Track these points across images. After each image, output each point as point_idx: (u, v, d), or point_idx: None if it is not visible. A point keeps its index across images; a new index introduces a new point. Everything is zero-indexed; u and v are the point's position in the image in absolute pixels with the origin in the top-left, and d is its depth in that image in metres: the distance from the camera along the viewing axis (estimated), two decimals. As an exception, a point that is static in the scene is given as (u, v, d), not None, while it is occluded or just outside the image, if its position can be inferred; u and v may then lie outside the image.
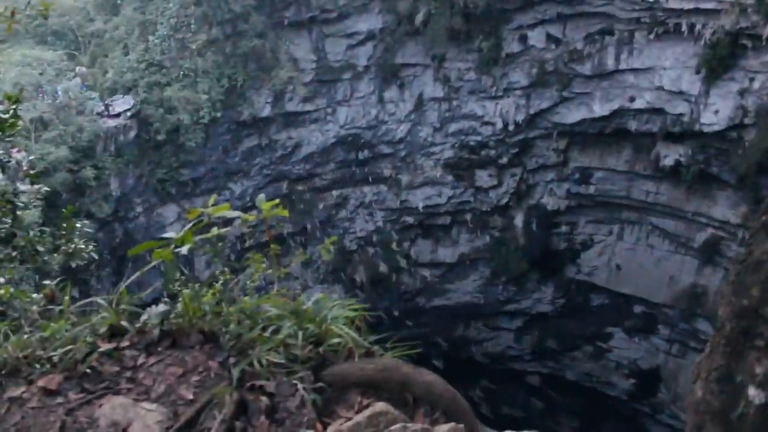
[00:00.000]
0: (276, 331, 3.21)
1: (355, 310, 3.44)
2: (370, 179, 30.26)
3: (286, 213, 3.96)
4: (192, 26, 24.76)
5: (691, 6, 23.54)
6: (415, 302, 32.53)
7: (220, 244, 3.49)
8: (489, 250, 31.36)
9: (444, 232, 31.70)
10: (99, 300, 3.49)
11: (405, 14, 26.95)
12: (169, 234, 3.36)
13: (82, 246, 7.59)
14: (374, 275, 31.16)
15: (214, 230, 3.34)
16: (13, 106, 6.82)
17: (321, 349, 3.19)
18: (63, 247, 7.37)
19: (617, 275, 30.90)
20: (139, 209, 24.89)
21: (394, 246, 31.18)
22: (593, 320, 32.39)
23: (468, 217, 31.12)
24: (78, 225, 7.78)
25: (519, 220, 30.81)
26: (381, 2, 27.06)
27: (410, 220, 30.95)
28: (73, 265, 7.43)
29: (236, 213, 3.68)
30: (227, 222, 3.80)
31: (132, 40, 24.88)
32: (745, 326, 2.20)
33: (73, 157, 21.21)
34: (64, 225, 7.68)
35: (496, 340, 34.37)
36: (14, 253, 6.73)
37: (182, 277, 3.88)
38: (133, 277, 3.65)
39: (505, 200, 30.31)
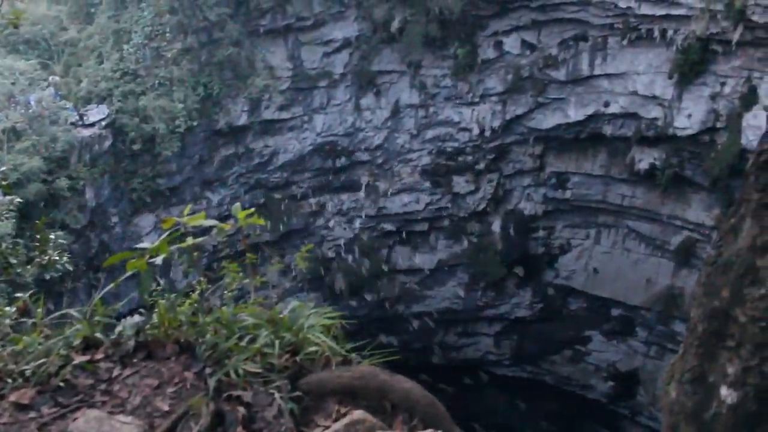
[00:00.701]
0: (252, 341, 3.19)
1: (332, 318, 3.43)
2: (348, 186, 30.25)
3: (261, 222, 3.95)
4: (167, 35, 24.61)
5: (662, 12, 23.89)
6: (394, 309, 32.51)
7: (196, 253, 3.47)
8: (467, 255, 31.45)
9: (422, 239, 31.76)
10: (73, 312, 3.45)
11: (380, 21, 27.02)
12: (144, 244, 3.34)
13: (57, 257, 7.51)
14: (353, 282, 31.12)
15: (190, 240, 3.32)
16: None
17: (298, 358, 3.18)
18: (37, 259, 7.28)
19: (594, 279, 31.14)
20: (114, 219, 24.64)
21: (372, 253, 31.16)
22: (571, 324, 32.59)
23: (446, 223, 31.22)
24: (52, 236, 7.70)
25: (497, 226, 30.97)
26: (356, 10, 27.11)
27: (388, 226, 30.97)
28: (48, 276, 7.34)
29: (212, 222, 3.67)
30: (204, 231, 3.78)
31: (106, 49, 24.66)
32: (717, 327, 2.23)
33: (47, 167, 20.94)
34: (38, 236, 7.60)
35: (475, 345, 34.44)
36: (-14, 266, 6.64)
37: (158, 288, 3.85)
38: (107, 289, 3.61)
39: (482, 206, 30.43)
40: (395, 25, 26.79)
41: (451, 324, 33.62)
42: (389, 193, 30.14)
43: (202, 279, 5.83)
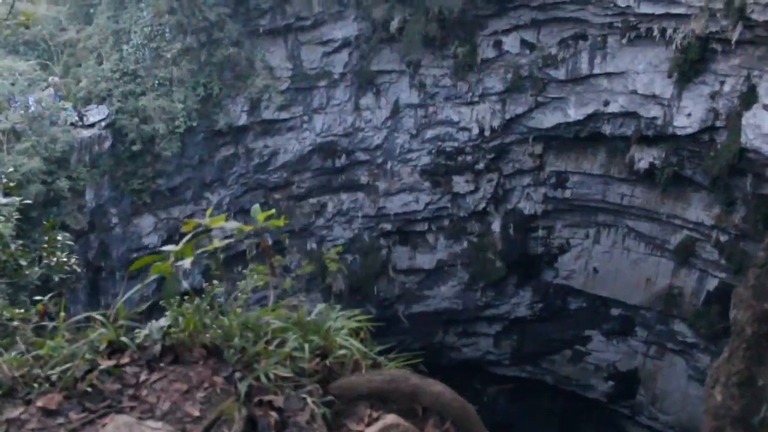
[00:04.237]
0: (281, 344, 3.15)
1: (359, 320, 3.39)
2: (347, 186, 30.21)
3: (280, 223, 3.91)
4: (166, 35, 24.52)
5: (662, 11, 23.88)
6: (393, 309, 32.48)
7: (221, 255, 3.42)
8: (467, 255, 31.45)
9: (422, 239, 31.74)
10: (96, 315, 3.40)
11: (380, 21, 26.97)
12: (169, 247, 3.29)
13: (65, 259, 7.46)
14: (352, 283, 31.05)
15: (216, 242, 3.27)
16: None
17: (327, 362, 3.14)
18: (45, 261, 7.23)
19: (594, 278, 31.16)
20: (114, 220, 24.55)
21: (371, 253, 31.11)
22: (571, 324, 32.62)
23: (445, 223, 31.20)
24: (59, 237, 7.65)
25: (496, 225, 30.96)
26: (356, 9, 27.05)
27: (388, 226, 30.94)
28: (56, 278, 7.28)
29: (234, 224, 3.62)
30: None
31: (106, 50, 24.56)
32: (766, 330, 2.19)
33: (47, 168, 20.84)
34: (45, 238, 7.55)
35: (475, 345, 34.44)
36: (-4, 268, 6.58)
37: (181, 292, 3.79)
38: (131, 292, 3.57)
39: (482, 205, 30.43)
40: (395, 24, 26.75)
41: (450, 324, 33.61)
42: (389, 193, 30.11)
43: (215, 281, 5.78)
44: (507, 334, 33.78)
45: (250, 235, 3.71)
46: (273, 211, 3.87)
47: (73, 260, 7.63)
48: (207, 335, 3.26)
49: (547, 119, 28.24)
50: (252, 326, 3.27)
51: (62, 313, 3.45)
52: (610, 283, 30.62)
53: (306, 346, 3.11)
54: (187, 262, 3.12)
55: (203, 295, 3.92)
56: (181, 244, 3.40)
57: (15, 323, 5.11)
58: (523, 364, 34.61)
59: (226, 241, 3.31)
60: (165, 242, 25.72)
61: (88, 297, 23.04)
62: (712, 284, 27.21)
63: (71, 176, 21.83)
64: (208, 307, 3.48)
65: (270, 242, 3.96)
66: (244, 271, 4.63)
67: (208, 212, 3.59)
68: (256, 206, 3.91)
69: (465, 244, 31.44)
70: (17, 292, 16.80)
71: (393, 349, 3.47)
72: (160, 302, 4.37)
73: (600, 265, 30.83)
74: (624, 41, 25.34)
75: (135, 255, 25.11)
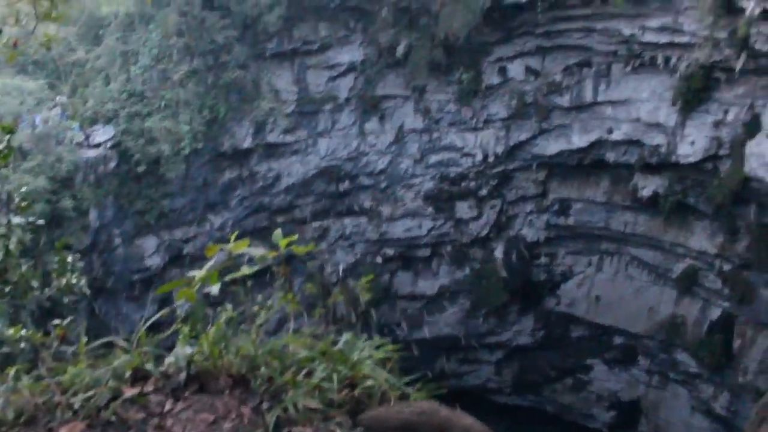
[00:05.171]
0: (309, 374, 3.10)
1: (387, 350, 3.34)
2: (351, 211, 30.16)
3: (303, 250, 3.85)
4: (174, 57, 24.65)
5: (666, 40, 24.09)
6: (395, 335, 32.24)
7: (249, 283, 3.37)
8: (469, 282, 31.29)
9: (424, 264, 31.61)
10: (119, 341, 3.35)
11: (386, 46, 27.16)
12: (194, 272, 3.25)
13: (74, 281, 7.38)
14: (354, 308, 30.84)
15: (245, 269, 3.23)
16: (7, 137, 6.66)
17: (356, 393, 3.08)
18: (55, 282, 7.15)
19: (597, 306, 30.97)
20: (117, 240, 24.50)
21: (374, 278, 30.94)
22: (573, 352, 32.36)
23: (448, 248, 31.10)
24: (69, 259, 7.58)
25: (499, 252, 30.86)
26: (362, 34, 27.26)
27: (390, 252, 30.83)
28: (66, 300, 7.19)
29: (259, 250, 3.57)
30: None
31: (113, 70, 24.67)
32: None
33: (52, 187, 20.86)
34: (56, 258, 7.49)
35: (476, 372, 34.14)
36: (7, 289, 6.50)
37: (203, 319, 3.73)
38: (155, 317, 3.51)
39: (485, 232, 30.36)
40: (401, 49, 26.93)
41: (452, 351, 33.34)
42: (392, 218, 30.05)
43: (228, 306, 5.68)
44: (508, 362, 33.51)
45: (273, 261, 3.66)
46: (296, 236, 3.82)
47: (82, 282, 7.54)
48: (233, 363, 3.20)
49: (551, 146, 28.30)
50: (278, 355, 3.21)
51: (83, 338, 3.40)
52: (613, 312, 30.42)
53: (334, 376, 3.06)
54: (214, 289, 3.07)
55: (217, 321, 3.87)
56: (204, 270, 3.35)
57: (22, 345, 5.04)
58: (524, 393, 34.26)
59: (255, 268, 3.26)
60: (167, 264, 25.66)
61: (88, 319, 22.89)
62: (715, 314, 27.05)
63: (75, 196, 21.83)
64: (230, 334, 3.43)
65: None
66: (259, 296, 4.57)
67: (232, 237, 3.54)
68: (278, 231, 3.86)
69: (467, 270, 31.32)
70: (17, 312, 16.68)
71: (419, 379, 3.42)
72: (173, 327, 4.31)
73: (602, 293, 30.67)
74: (628, 69, 25.51)
75: (137, 276, 25.02)
